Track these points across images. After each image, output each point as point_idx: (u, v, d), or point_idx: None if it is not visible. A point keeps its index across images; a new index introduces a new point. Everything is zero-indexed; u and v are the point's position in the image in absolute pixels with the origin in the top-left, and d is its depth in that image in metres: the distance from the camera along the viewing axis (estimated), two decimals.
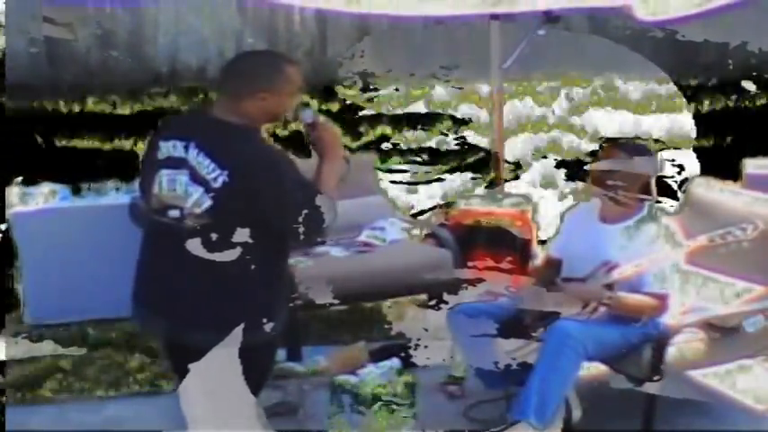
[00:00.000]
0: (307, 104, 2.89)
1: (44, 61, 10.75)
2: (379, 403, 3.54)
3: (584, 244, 3.60)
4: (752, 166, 5.58)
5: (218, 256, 2.66)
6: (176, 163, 2.70)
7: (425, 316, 4.67)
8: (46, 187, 5.50)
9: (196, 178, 2.65)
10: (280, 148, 2.76)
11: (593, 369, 3.64)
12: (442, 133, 8.97)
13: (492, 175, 5.54)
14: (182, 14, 10.89)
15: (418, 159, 8.52)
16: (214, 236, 2.64)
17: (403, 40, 9.68)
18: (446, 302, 4.01)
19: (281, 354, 4.32)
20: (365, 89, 9.72)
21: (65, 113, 9.33)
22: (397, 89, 9.68)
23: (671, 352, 3.51)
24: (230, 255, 2.65)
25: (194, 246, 2.66)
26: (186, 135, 2.71)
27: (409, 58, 9.86)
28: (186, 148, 2.69)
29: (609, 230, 3.59)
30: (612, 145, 3.74)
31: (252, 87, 2.71)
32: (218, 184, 2.62)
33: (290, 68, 2.78)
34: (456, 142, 8.76)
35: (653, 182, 3.62)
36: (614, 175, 3.57)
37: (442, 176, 8.06)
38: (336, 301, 4.28)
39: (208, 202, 2.63)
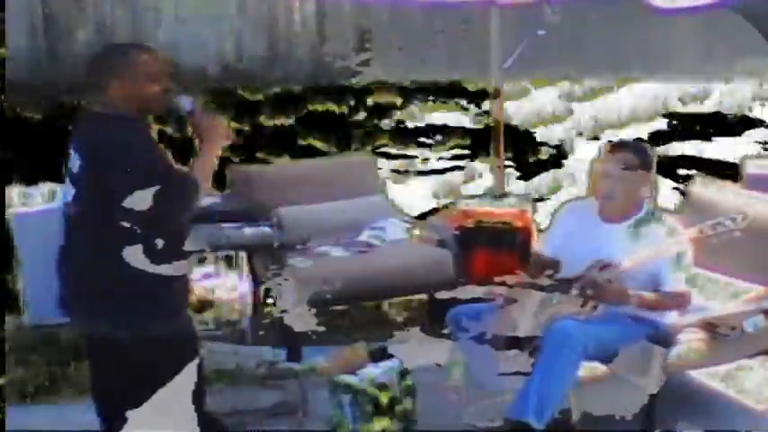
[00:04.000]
0: (184, 93, 2.87)
1: (44, 61, 10.75)
2: (379, 403, 3.54)
3: (586, 244, 3.57)
4: (752, 166, 5.57)
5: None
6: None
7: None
8: (46, 187, 5.48)
9: (68, 172, 2.76)
10: (145, 134, 2.77)
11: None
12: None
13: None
14: (182, 14, 10.89)
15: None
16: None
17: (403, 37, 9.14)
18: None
19: (281, 354, 4.33)
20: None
21: (65, 113, 9.30)
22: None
23: (671, 352, 3.51)
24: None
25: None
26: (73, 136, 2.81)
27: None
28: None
29: (612, 229, 3.58)
30: (618, 144, 3.71)
31: (107, 76, 2.75)
32: (76, 170, 2.70)
33: (141, 56, 2.79)
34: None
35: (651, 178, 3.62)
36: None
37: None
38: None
39: (72, 191, 2.72)
